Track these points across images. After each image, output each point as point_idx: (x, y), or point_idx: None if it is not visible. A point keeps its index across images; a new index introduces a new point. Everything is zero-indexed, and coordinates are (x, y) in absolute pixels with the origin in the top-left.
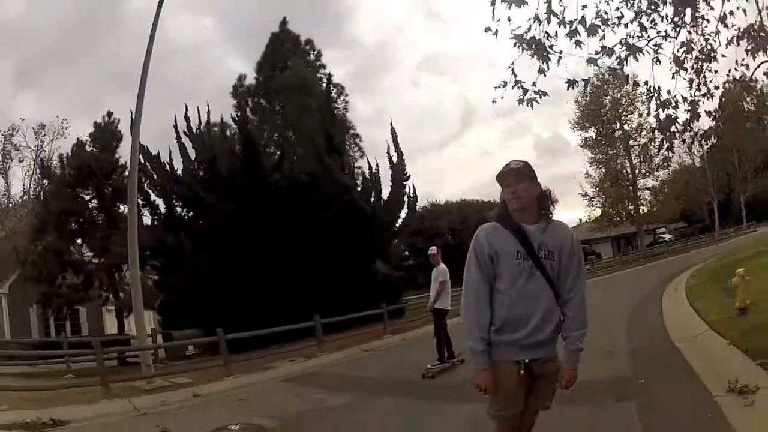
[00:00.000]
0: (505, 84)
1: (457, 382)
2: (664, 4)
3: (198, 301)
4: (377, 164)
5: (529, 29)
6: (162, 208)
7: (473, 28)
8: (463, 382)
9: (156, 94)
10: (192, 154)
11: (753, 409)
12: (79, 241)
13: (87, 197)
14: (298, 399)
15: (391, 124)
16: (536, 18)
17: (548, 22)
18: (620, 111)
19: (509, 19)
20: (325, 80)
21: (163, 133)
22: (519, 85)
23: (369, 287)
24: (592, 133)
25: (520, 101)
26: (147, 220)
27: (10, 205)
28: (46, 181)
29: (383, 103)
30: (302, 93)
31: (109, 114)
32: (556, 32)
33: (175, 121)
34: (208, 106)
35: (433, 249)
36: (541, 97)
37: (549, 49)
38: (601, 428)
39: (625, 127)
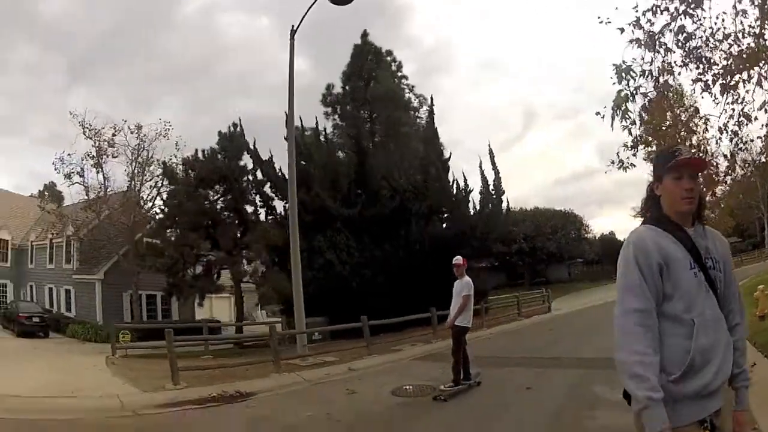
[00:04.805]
0: (612, 163)
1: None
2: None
3: (319, 294)
4: (485, 180)
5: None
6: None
7: (536, 30)
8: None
9: (208, 90)
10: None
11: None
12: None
13: (212, 198)
14: (440, 370)
15: (489, 145)
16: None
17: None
18: (680, 128)
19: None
20: (408, 90)
21: (218, 128)
22: (621, 162)
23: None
24: (653, 146)
25: (619, 167)
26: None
27: (108, 195)
28: (166, 180)
29: (444, 103)
30: (390, 104)
31: (235, 125)
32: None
33: (286, 127)
34: (304, 122)
35: (459, 259)
36: (631, 167)
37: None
38: None
39: (686, 143)
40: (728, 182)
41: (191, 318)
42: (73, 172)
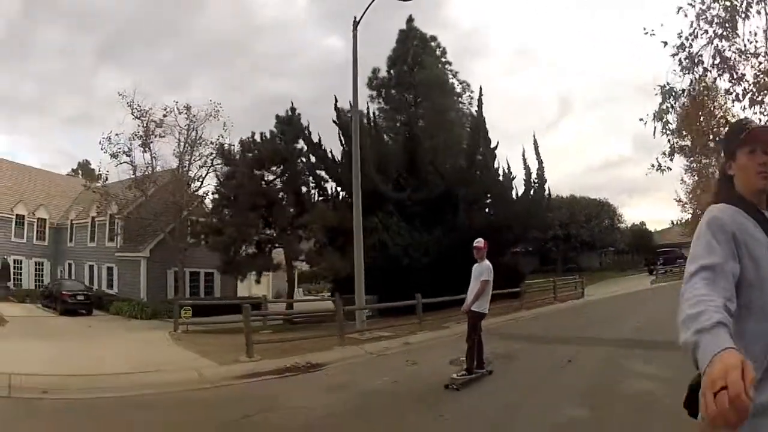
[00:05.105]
0: (652, 166)
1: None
2: None
3: (371, 273)
4: (528, 167)
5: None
6: (330, 189)
7: (572, 17)
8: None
9: (239, 70)
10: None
11: None
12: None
13: (268, 179)
14: (488, 345)
15: (534, 136)
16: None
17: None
18: (713, 123)
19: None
20: (451, 76)
21: (252, 107)
22: (659, 165)
23: (502, 273)
24: (687, 141)
25: (657, 170)
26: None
27: (156, 175)
28: (217, 160)
29: (478, 87)
30: (436, 90)
31: (292, 110)
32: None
33: (337, 113)
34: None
35: (480, 241)
36: (667, 170)
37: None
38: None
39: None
40: None
41: (233, 295)
42: (119, 152)
